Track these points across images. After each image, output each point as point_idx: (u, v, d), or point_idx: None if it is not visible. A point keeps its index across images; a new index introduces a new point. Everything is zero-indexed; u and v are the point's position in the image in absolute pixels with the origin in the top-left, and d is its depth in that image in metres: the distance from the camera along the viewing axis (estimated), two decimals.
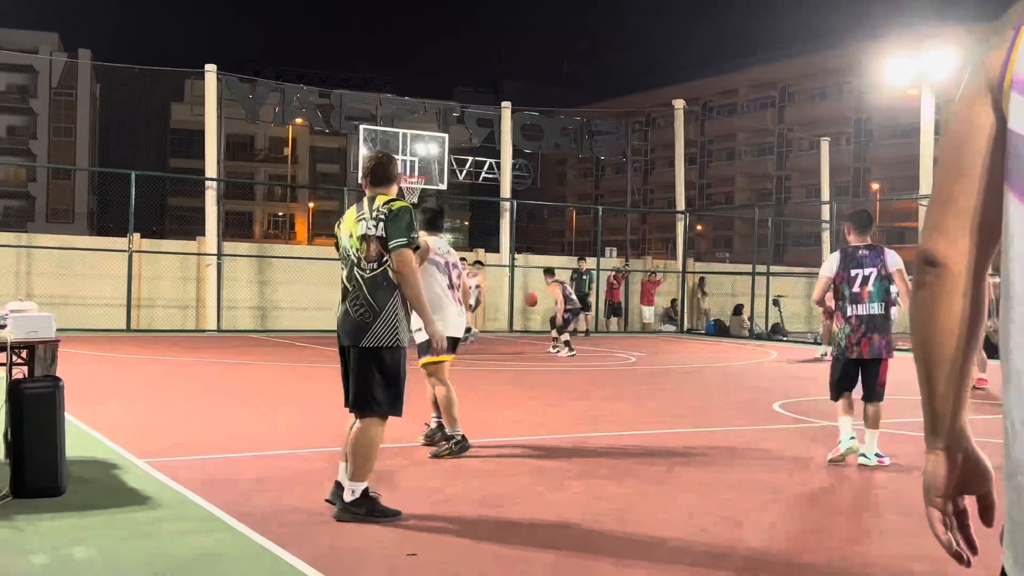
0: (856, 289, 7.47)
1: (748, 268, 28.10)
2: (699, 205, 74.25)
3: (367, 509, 5.41)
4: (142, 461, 6.83)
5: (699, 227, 71.41)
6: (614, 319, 27.26)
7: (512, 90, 72.01)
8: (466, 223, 78.18)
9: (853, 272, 7.50)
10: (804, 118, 73.71)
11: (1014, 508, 1.31)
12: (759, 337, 25.39)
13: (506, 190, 26.69)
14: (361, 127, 23.62)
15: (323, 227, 68.43)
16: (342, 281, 5.63)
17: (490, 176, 26.96)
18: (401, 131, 24.03)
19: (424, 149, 24.08)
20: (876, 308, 7.44)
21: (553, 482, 6.62)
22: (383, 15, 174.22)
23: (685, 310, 28.28)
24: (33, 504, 5.52)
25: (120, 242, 21.76)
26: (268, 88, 24.91)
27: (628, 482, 6.68)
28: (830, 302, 8.12)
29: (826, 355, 15.15)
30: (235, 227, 62.59)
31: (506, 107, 27.03)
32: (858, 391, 7.66)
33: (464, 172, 26.79)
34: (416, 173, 23.74)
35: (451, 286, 7.76)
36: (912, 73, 24.04)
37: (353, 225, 5.58)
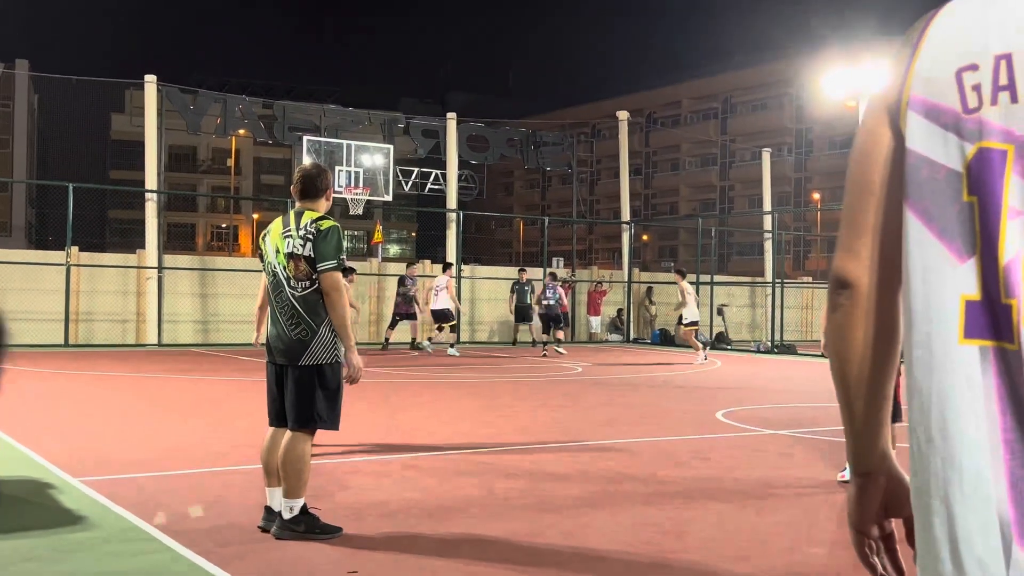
0: None
1: (692, 278, 28.33)
2: (644, 215, 74.89)
3: (307, 526, 5.30)
4: (76, 480, 6.65)
5: (644, 237, 71.99)
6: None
7: (458, 101, 72.10)
8: (412, 234, 78.00)
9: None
10: (746, 129, 74.80)
11: (923, 531, 1.30)
12: (704, 346, 25.55)
13: (452, 201, 26.65)
14: (305, 138, 23.43)
15: None
16: (270, 297, 5.50)
17: (436, 187, 26.88)
18: (346, 142, 23.89)
19: (369, 160, 23.96)
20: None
21: (499, 494, 6.57)
22: (327, 25, 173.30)
23: (631, 320, 28.44)
24: None
25: (58, 255, 21.31)
26: (210, 99, 24.60)
27: (574, 493, 6.65)
28: None
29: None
30: (177, 239, 61.83)
31: (451, 118, 26.99)
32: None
33: (410, 183, 26.69)
34: (361, 184, 23.62)
35: None
36: (851, 85, 24.45)
37: (279, 240, 5.42)
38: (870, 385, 1.45)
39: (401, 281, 21.83)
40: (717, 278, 28.91)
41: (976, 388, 1.25)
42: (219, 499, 6.25)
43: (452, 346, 21.09)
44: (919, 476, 1.31)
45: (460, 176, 27.23)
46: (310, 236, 5.31)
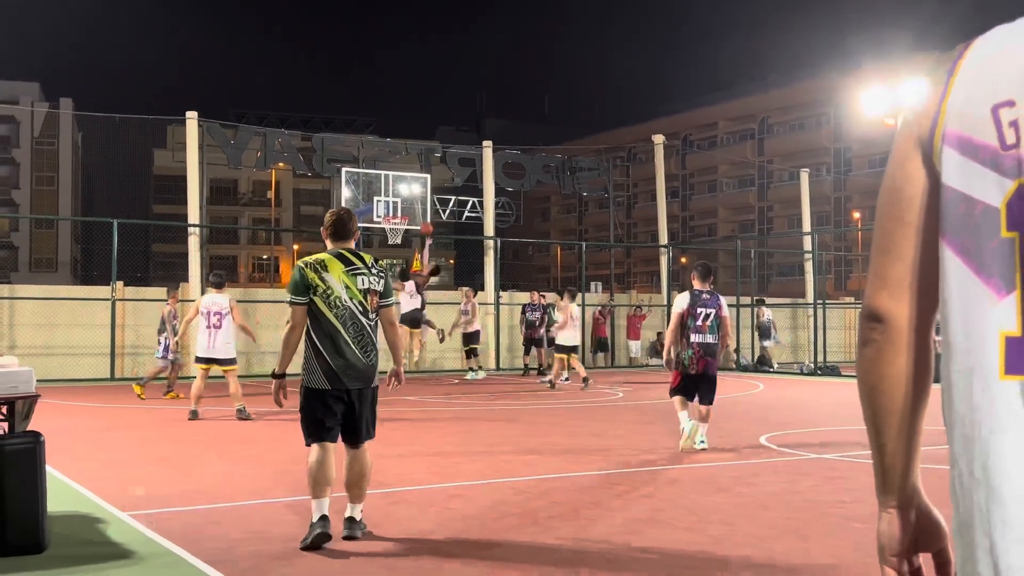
0: (699, 323, 10.05)
1: (732, 300, 28.16)
2: (682, 238, 74.56)
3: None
4: (125, 513, 6.75)
5: (683, 260, 71.64)
6: (600, 354, 27.26)
7: (494, 128, 72.51)
8: (451, 262, 78.34)
9: (698, 310, 10.09)
10: (784, 149, 74.33)
11: (966, 564, 1.30)
12: (745, 369, 25.41)
13: (489, 228, 26.75)
14: (343, 169, 23.70)
15: None
16: (335, 328, 5.95)
17: (473, 215, 27.02)
18: (383, 172, 24.11)
19: (407, 190, 24.15)
20: (712, 338, 10.09)
21: (542, 523, 6.56)
22: (364, 56, 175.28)
23: None
24: (16, 563, 5.44)
25: (103, 290, 21.66)
26: (249, 133, 24.96)
27: (617, 520, 6.64)
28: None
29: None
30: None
31: (487, 146, 27.15)
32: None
33: (447, 211, 26.85)
34: (399, 214, 23.79)
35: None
36: (889, 102, 24.29)
37: (346, 277, 6.01)
38: (902, 419, 1.45)
39: (524, 309, 22.86)
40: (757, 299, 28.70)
41: (1019, 423, 1.25)
42: (266, 532, 6.31)
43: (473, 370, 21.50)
44: (962, 509, 1.31)
45: (497, 203, 27.34)
46: (382, 275, 6.15)
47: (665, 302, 28.68)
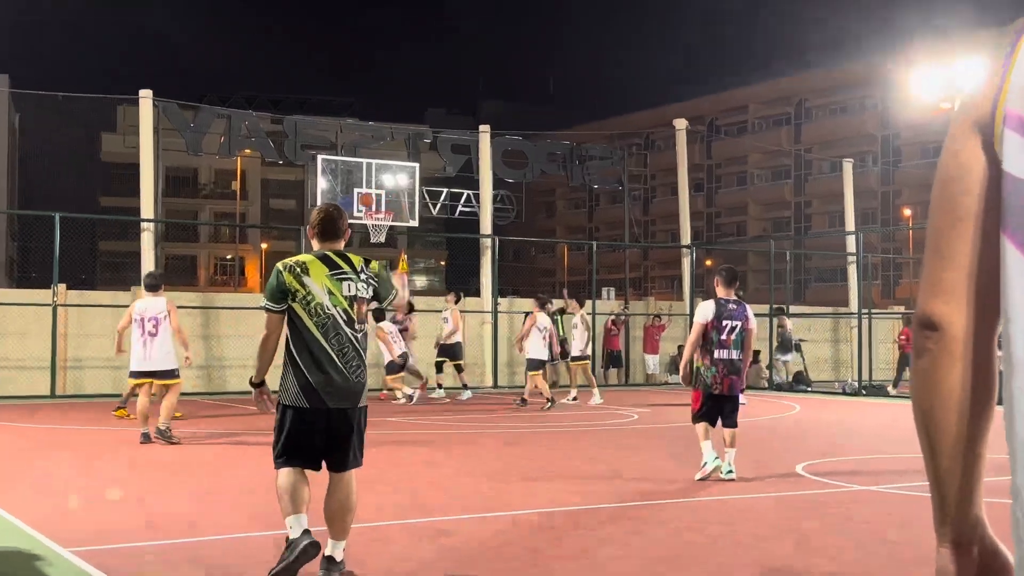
0: (724, 336, 10.05)
1: (765, 308, 28.19)
2: (708, 238, 74.76)
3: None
4: (68, 550, 6.73)
5: (708, 262, 71.86)
6: (613, 370, 27.25)
7: (491, 111, 72.65)
8: (442, 263, 78.39)
9: (723, 322, 10.08)
10: (824, 137, 74.45)
11: None
12: (780, 388, 25.42)
13: (486, 225, 26.78)
14: (319, 157, 23.65)
15: None
16: (316, 339, 5.97)
17: (468, 210, 27.05)
18: (365, 161, 24.03)
19: (392, 180, 24.13)
20: (737, 353, 10.09)
21: (544, 563, 6.56)
22: (342, 29, 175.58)
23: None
24: None
25: (43, 294, 21.65)
26: (212, 115, 24.99)
27: (634, 562, 6.63)
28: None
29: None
30: (177, 273, 62.59)
31: (484, 131, 27.20)
32: None
33: (438, 206, 26.88)
34: (383, 208, 23.77)
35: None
36: (944, 84, 24.31)
37: (330, 282, 6.02)
38: (962, 441, 1.45)
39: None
40: (793, 309, 28.78)
41: None
42: (223, 569, 6.29)
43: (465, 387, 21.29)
44: None
45: (495, 197, 27.38)
46: (373, 283, 6.14)
47: (687, 310, 28.70)
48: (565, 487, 9.74)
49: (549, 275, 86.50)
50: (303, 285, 5.97)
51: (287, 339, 6.05)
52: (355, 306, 6.03)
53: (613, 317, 27.12)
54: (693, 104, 74.62)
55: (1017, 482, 1.32)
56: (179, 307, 22.63)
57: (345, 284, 6.02)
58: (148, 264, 22.68)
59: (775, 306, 28.41)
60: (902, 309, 37.68)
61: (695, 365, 10.16)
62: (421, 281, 76.47)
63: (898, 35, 67.64)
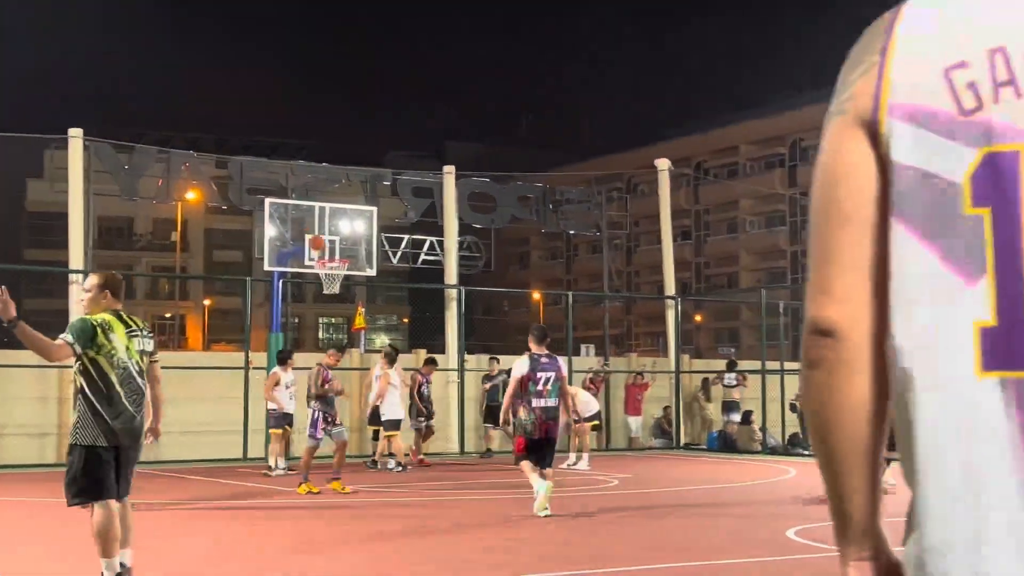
0: (540, 387, 12.42)
1: (757, 365, 28.35)
2: (695, 289, 75.02)
3: None
4: None
5: (697, 318, 71.95)
6: (593, 433, 27.19)
7: (458, 153, 72.89)
8: (404, 320, 78.23)
9: (539, 374, 12.48)
10: None
11: None
12: (774, 451, 25.49)
13: (452, 275, 26.83)
14: (267, 201, 23.27)
15: (223, 330, 68.00)
16: (114, 387, 7.44)
17: (431, 258, 27.08)
18: (318, 205, 23.57)
19: (348, 226, 23.90)
20: (552, 401, 12.53)
21: None
22: (294, 65, 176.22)
23: (680, 420, 28.32)
24: None
25: None
26: (149, 156, 24.97)
27: None
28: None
29: None
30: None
31: (449, 172, 27.23)
32: None
33: (399, 254, 26.88)
34: (338, 256, 23.54)
35: None
36: None
37: (127, 339, 7.59)
38: (867, 452, 1.52)
39: (487, 377, 24.19)
40: (789, 365, 28.88)
41: (1000, 426, 1.36)
42: None
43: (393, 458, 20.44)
44: (936, 532, 1.41)
45: (461, 244, 27.44)
46: (150, 336, 7.90)
47: (673, 367, 28.82)
48: (542, 567, 9.76)
49: (523, 331, 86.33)
50: (109, 340, 7.47)
51: (84, 388, 7.43)
52: (143, 358, 7.70)
53: (591, 375, 27.03)
54: (678, 144, 74.97)
55: (920, 469, 1.43)
56: None
57: (136, 340, 7.67)
58: None
59: (728, 360, 28.64)
60: None
61: (519, 416, 12.55)
62: (380, 338, 76.12)
63: None
